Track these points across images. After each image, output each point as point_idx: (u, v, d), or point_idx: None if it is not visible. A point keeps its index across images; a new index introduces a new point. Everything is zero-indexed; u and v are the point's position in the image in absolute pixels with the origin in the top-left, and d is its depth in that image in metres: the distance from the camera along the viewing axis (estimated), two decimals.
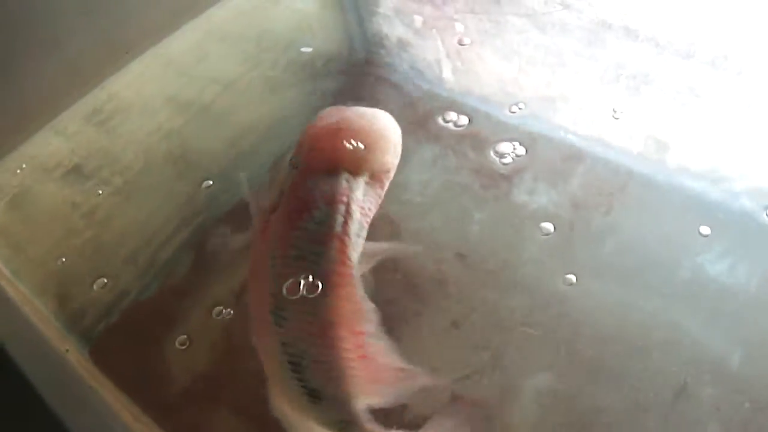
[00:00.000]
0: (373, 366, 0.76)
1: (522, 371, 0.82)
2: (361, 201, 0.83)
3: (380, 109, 0.94)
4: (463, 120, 1.03)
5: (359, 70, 1.12)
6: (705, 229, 0.90)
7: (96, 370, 0.86)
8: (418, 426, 0.77)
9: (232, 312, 0.88)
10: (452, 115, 1.04)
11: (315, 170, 0.83)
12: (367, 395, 0.74)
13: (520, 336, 0.84)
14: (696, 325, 0.84)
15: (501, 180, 0.97)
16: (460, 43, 1.13)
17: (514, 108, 1.04)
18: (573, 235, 0.92)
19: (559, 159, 0.98)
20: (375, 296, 0.82)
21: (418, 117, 1.04)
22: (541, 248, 0.91)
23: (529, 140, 1.01)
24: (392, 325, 0.82)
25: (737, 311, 0.85)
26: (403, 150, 0.96)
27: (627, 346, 0.83)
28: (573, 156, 0.99)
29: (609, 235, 0.92)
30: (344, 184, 0.83)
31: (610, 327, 0.84)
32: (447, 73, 1.08)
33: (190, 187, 1.01)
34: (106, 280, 0.94)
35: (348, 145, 0.84)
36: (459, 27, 1.14)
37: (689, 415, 0.77)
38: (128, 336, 0.90)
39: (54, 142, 1.12)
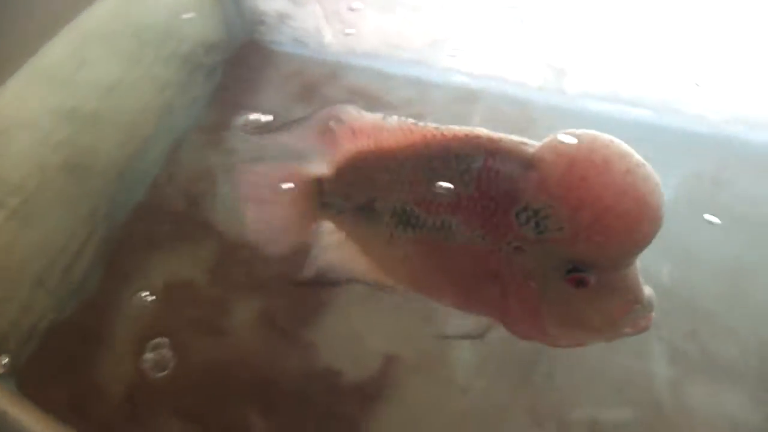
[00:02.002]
0: None
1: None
2: None
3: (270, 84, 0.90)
4: (353, 79, 0.98)
5: (243, 50, 1.06)
6: None
7: (24, 400, 0.80)
8: None
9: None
10: (342, 79, 0.99)
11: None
12: None
13: None
14: None
15: None
16: (338, 5, 1.07)
17: (403, 59, 0.99)
18: None
19: (455, 102, 0.94)
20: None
21: (308, 85, 0.99)
22: None
23: (423, 88, 0.97)
24: (314, 306, 0.81)
25: None
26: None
27: None
28: (469, 97, 0.95)
29: None
30: None
31: None
32: (330, 38, 1.03)
33: (90, 196, 0.94)
34: (16, 307, 0.86)
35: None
36: None
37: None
38: (53, 360, 0.83)
39: None
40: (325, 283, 0.67)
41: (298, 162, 0.66)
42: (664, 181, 0.82)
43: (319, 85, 0.98)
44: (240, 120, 0.90)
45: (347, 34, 1.03)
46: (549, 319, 0.58)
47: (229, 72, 1.02)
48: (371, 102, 0.95)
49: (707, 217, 0.82)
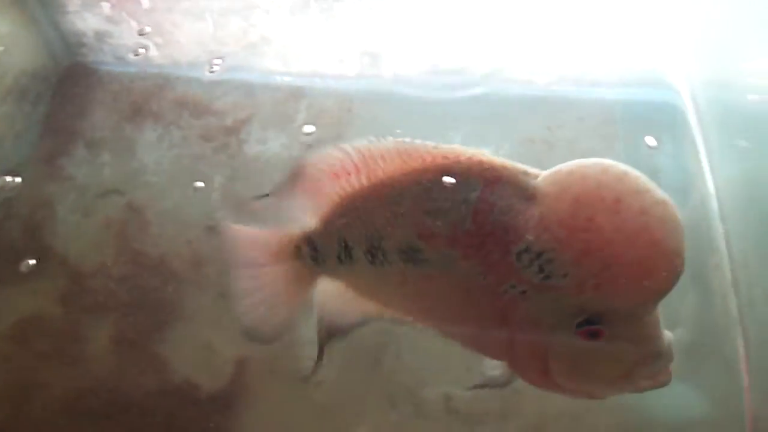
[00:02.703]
0: None
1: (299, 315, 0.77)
2: None
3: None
4: (179, 91, 0.97)
5: (68, 73, 1.03)
6: (446, 124, 0.89)
7: None
8: None
9: None
10: (168, 92, 0.97)
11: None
12: None
13: None
14: None
15: (230, 137, 0.92)
16: (152, 18, 1.05)
17: (219, 64, 0.97)
18: None
19: (280, 102, 0.94)
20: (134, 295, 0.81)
21: (135, 102, 0.97)
22: None
23: (248, 91, 0.96)
24: (162, 322, 0.80)
25: None
26: (129, 136, 0.93)
27: None
28: (293, 95, 0.96)
29: None
30: None
31: None
32: (150, 51, 1.01)
33: None
34: None
35: None
36: (145, 1, 1.05)
37: None
38: None
39: None
40: (340, 334, 0.60)
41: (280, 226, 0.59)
42: (498, 149, 0.84)
43: (146, 100, 0.96)
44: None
45: (166, 45, 1.01)
46: (558, 371, 0.51)
47: (57, 98, 0.99)
48: (199, 111, 0.94)
49: None
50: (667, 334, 0.51)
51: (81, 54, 1.04)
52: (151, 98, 0.97)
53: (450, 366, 0.75)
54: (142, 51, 1.01)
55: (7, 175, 0.90)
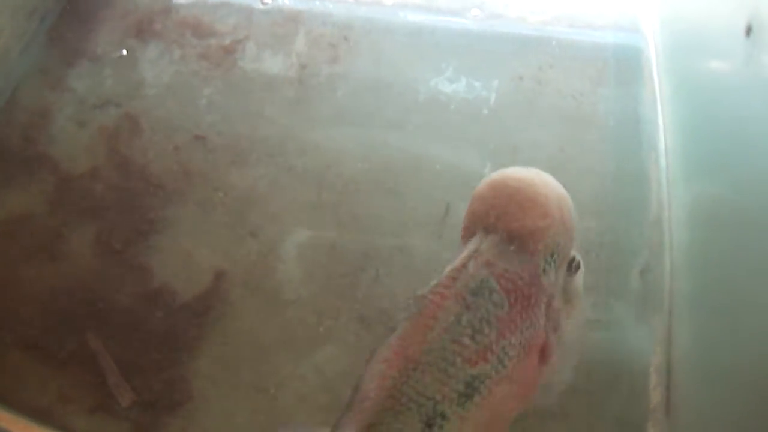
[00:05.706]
0: None
1: (280, 233, 0.76)
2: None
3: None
4: (183, 13, 0.94)
5: None
6: (438, 56, 0.87)
7: None
8: None
9: None
10: (174, 13, 0.94)
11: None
12: None
13: (274, 197, 0.78)
14: (443, 148, 0.80)
15: (226, 56, 0.89)
16: None
17: None
18: (306, 90, 0.85)
19: (278, 25, 0.91)
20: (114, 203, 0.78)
21: (141, 23, 0.94)
22: (278, 110, 0.84)
23: (246, 13, 0.93)
24: (145, 228, 0.77)
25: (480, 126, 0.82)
26: (132, 53, 0.90)
27: (381, 184, 0.78)
28: (292, 19, 0.93)
29: (340, 83, 0.86)
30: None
31: (360, 169, 0.79)
32: None
33: None
34: None
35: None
36: None
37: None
38: None
39: None
40: None
41: None
42: (488, 84, 0.80)
43: (151, 21, 0.94)
44: None
45: None
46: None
47: (64, 16, 0.97)
48: (201, 32, 0.92)
49: None
50: None
51: None
52: (157, 19, 0.94)
53: None
54: None
55: (11, 85, 0.88)
